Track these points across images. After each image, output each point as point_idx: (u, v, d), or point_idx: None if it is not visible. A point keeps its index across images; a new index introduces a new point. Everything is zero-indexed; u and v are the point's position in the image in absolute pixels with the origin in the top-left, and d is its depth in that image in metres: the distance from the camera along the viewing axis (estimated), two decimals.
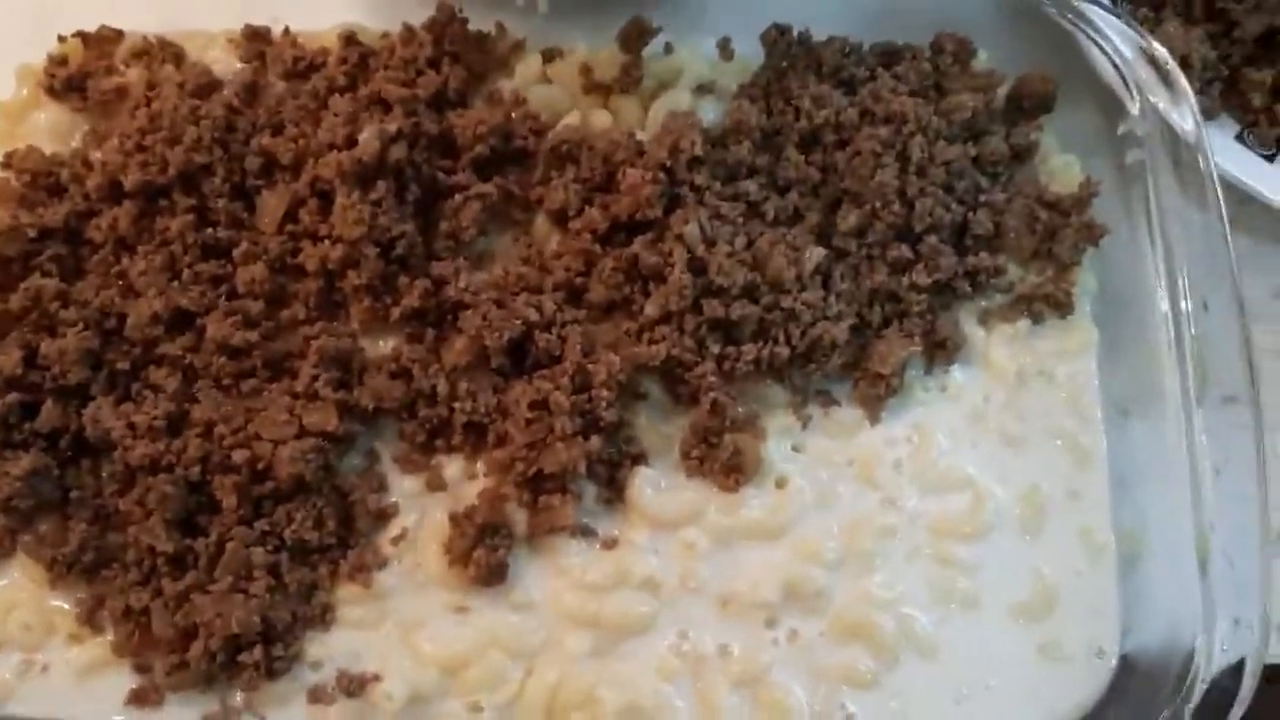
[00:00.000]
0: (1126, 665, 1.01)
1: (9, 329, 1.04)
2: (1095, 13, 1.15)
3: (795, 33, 1.17)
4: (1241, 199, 1.28)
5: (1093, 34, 1.15)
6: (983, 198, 1.12)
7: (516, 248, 1.12)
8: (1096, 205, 1.13)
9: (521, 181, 1.13)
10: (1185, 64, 1.19)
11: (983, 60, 1.18)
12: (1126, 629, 1.02)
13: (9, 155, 1.13)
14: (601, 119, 1.16)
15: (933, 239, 1.09)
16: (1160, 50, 1.12)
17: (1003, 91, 1.17)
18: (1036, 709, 1.00)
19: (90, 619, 0.99)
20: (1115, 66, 1.13)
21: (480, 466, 1.04)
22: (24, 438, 1.01)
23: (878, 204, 1.08)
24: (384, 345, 1.08)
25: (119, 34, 1.20)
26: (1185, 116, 1.10)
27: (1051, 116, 1.17)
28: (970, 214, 1.11)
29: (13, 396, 1.00)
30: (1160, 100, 1.11)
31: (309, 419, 1.00)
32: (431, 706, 0.98)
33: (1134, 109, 1.12)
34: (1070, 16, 1.15)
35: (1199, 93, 1.16)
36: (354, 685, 0.98)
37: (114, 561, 1.00)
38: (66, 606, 1.00)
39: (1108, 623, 1.02)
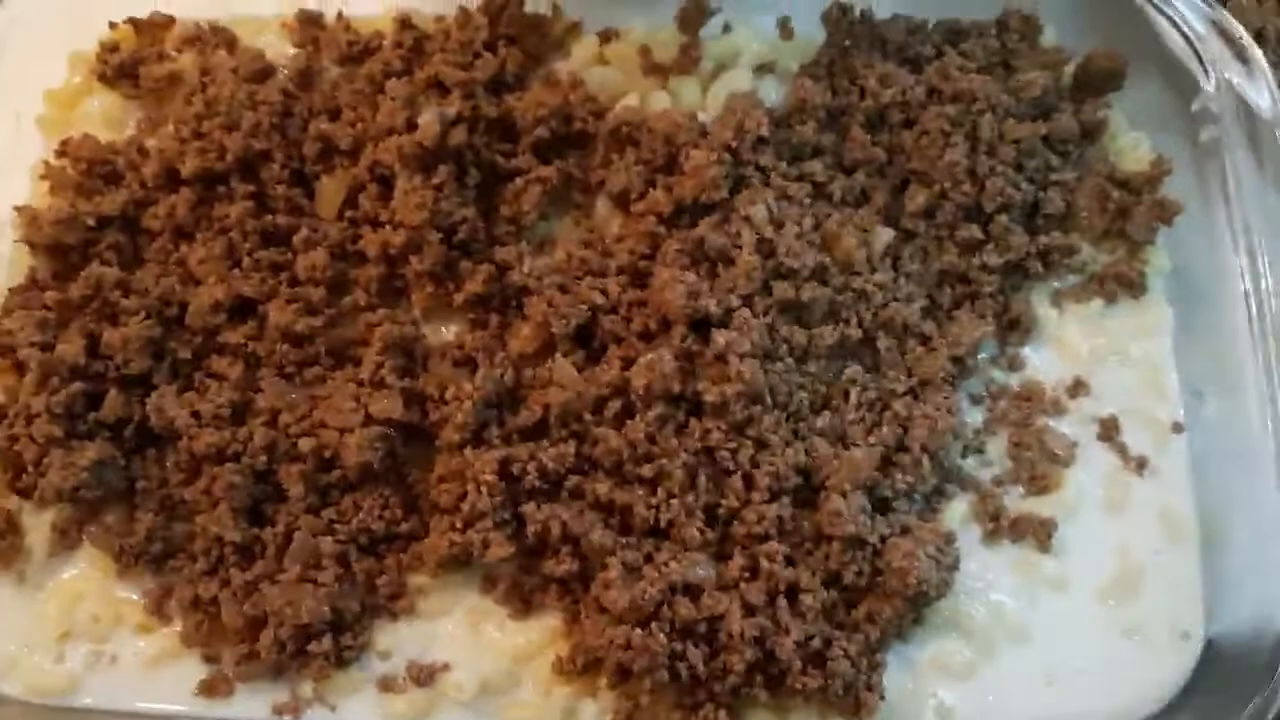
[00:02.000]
0: (1212, 648, 0.99)
1: (70, 318, 1.03)
2: None
3: (858, 11, 1.15)
4: None
5: (1163, 7, 1.12)
6: (1053, 176, 1.10)
7: (578, 231, 1.10)
8: (1168, 183, 1.11)
9: (581, 164, 1.12)
10: (1260, 38, 1.17)
11: (1050, 37, 1.16)
12: (1211, 611, 1.00)
13: (64, 143, 1.12)
14: (660, 100, 1.14)
15: (1003, 219, 1.07)
16: (1234, 24, 1.10)
17: (1070, 69, 1.15)
18: (1125, 690, 0.98)
19: (158, 609, 0.99)
20: (1187, 41, 1.11)
21: None
22: (88, 428, 1.00)
23: (947, 184, 1.07)
24: (446, 332, 1.07)
25: (170, 20, 1.19)
26: (1261, 92, 1.08)
27: (1120, 93, 1.15)
28: (1041, 193, 1.09)
29: (76, 386, 0.99)
30: (1235, 76, 1.09)
31: (375, 407, 0.99)
32: (503, 696, 0.97)
33: (1208, 85, 1.10)
34: None
35: (1275, 66, 1.13)
36: (424, 675, 0.97)
37: (181, 551, 1.00)
38: (134, 597, 1.00)
39: (1191, 604, 1.00)
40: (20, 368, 1.01)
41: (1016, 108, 1.09)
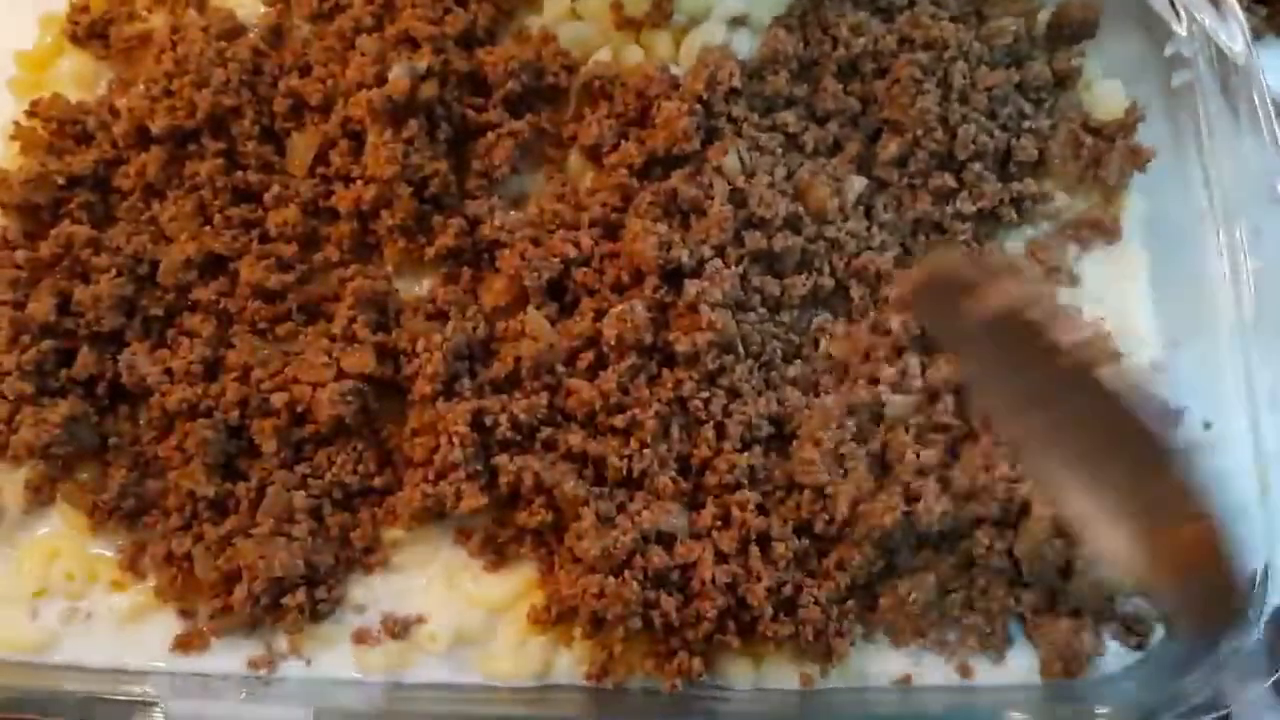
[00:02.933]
0: None
1: (41, 277, 1.03)
2: None
3: None
4: None
5: None
6: (1026, 124, 1.09)
7: (550, 185, 1.10)
8: (1142, 129, 1.11)
9: (553, 119, 1.11)
10: None
11: None
12: None
13: (35, 104, 1.11)
14: (633, 54, 1.13)
15: (976, 166, 1.07)
16: None
17: (1044, 17, 1.15)
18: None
19: (133, 565, 0.99)
20: None
21: None
22: (61, 385, 0.99)
23: (919, 132, 1.06)
24: (419, 287, 1.07)
25: None
26: (1234, 36, 1.07)
27: (1094, 40, 1.15)
28: (1014, 140, 1.09)
29: (48, 344, 0.99)
30: (1207, 19, 1.08)
31: (347, 361, 0.99)
32: (478, 647, 0.97)
33: (1180, 30, 1.09)
34: None
35: (1246, 10, 1.12)
36: (399, 627, 0.97)
37: (155, 507, 0.99)
38: (108, 553, 0.99)
39: None
40: None
41: (989, 55, 1.09)
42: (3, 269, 1.02)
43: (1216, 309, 1.05)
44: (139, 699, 0.92)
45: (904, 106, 1.06)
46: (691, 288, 0.98)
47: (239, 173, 1.07)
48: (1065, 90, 1.13)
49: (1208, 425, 1.03)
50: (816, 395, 1.01)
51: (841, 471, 0.96)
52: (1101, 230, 1.08)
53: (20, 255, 1.03)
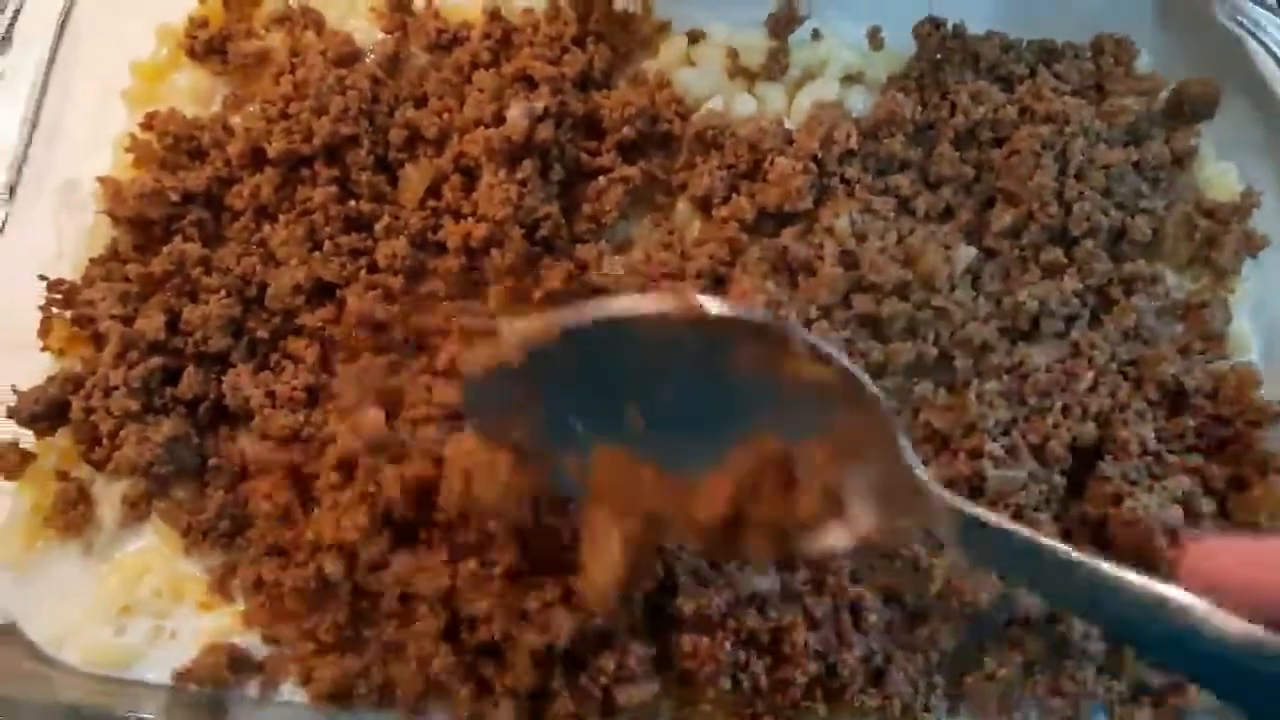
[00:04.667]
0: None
1: (152, 293, 1.03)
2: (1262, 15, 1.12)
3: (949, 26, 1.13)
4: None
5: (1259, 35, 1.11)
6: (1142, 203, 1.08)
7: (657, 233, 1.09)
8: (1256, 214, 1.10)
9: (664, 165, 1.11)
10: None
11: (1144, 62, 1.14)
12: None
13: (150, 116, 1.12)
14: (745, 104, 1.13)
15: (1089, 243, 1.06)
16: None
17: (1163, 95, 1.13)
18: None
19: (221, 587, 0.99)
20: None
21: None
22: (164, 403, 1.00)
23: (1034, 205, 1.05)
24: None
25: None
26: None
27: (1209, 121, 1.13)
28: (1128, 219, 1.07)
29: (155, 361, 0.99)
30: None
31: (441, 395, 0.99)
32: None
33: None
34: (1237, 18, 1.12)
35: None
36: None
37: (249, 528, 0.99)
38: (198, 573, 0.99)
39: None
40: (99, 339, 1.02)
41: (1109, 133, 1.08)
42: (114, 282, 1.03)
43: None
44: None
45: (1021, 178, 1.05)
46: None
47: (351, 201, 1.07)
48: (1181, 171, 1.11)
49: None
50: None
51: (938, 544, 0.95)
52: (1211, 311, 1.07)
53: (131, 269, 1.04)
